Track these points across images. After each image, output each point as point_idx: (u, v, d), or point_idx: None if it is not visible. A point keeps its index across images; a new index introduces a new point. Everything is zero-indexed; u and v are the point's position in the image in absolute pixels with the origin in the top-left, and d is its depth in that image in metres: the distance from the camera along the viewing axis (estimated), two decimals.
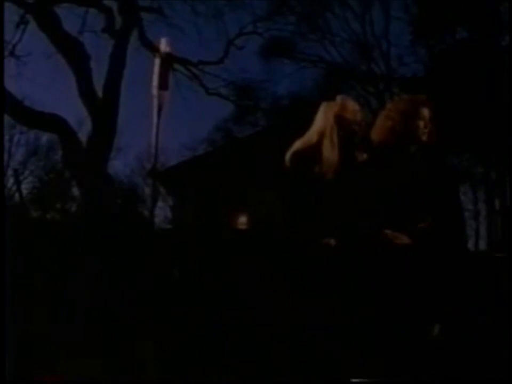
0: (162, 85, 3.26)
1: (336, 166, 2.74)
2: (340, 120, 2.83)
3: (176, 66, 13.44)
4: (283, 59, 19.21)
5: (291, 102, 19.37)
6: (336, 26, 18.96)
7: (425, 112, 2.83)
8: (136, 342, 3.73)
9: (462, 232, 3.11)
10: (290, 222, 2.88)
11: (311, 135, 2.90)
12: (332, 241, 2.71)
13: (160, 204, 24.71)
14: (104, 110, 10.64)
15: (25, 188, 25.76)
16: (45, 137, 25.59)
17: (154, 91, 3.26)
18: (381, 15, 18.52)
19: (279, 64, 19.34)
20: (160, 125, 3.26)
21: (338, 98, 2.94)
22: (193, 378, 3.24)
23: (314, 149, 2.82)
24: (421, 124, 2.81)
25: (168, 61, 3.32)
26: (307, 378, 2.69)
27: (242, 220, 11.35)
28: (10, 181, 23.22)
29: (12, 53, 11.84)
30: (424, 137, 2.81)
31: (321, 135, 2.84)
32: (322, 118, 2.88)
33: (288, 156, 2.90)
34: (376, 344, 2.60)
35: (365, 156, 2.85)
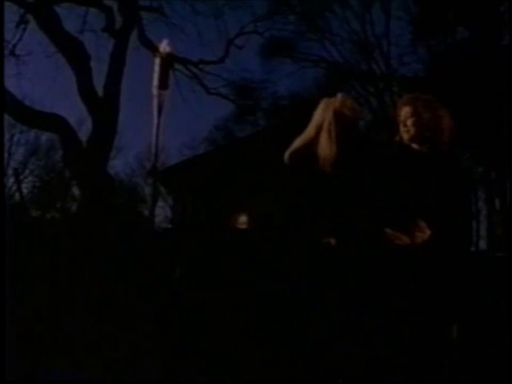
0: (163, 85, 3.26)
1: (333, 160, 2.75)
2: (339, 116, 2.84)
3: (176, 66, 13.45)
4: (283, 59, 19.19)
5: (291, 102, 19.35)
6: (336, 26, 18.92)
7: (403, 112, 2.88)
8: (137, 341, 3.73)
9: (469, 233, 3.12)
10: (290, 222, 2.88)
11: (309, 130, 2.91)
12: (332, 240, 2.71)
13: (160, 203, 24.73)
14: (104, 110, 10.65)
15: (25, 187, 25.77)
16: (45, 137, 25.60)
17: (155, 91, 3.26)
18: (381, 14, 18.51)
19: (279, 63, 19.29)
20: (160, 124, 3.26)
21: (339, 95, 2.95)
22: (193, 378, 3.24)
23: (312, 144, 2.83)
24: (401, 124, 2.88)
25: (168, 61, 3.32)
26: (307, 378, 2.69)
27: (243, 220, 11.34)
28: (10, 181, 23.25)
29: (12, 53, 11.84)
30: (406, 136, 2.85)
31: (319, 129, 2.85)
32: (321, 113, 2.89)
33: (286, 154, 2.90)
34: (376, 344, 2.61)
35: (362, 153, 2.86)
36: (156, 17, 13.34)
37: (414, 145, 2.85)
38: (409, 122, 2.84)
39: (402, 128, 2.87)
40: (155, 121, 3.25)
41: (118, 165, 32.50)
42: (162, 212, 25.39)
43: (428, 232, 2.64)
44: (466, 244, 3.00)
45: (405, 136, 2.86)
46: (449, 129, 2.84)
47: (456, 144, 2.90)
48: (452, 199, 2.74)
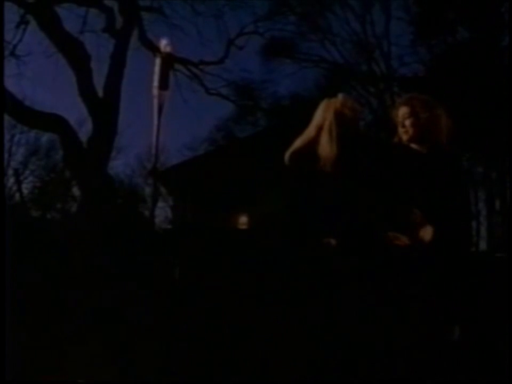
0: (163, 85, 3.25)
1: (334, 160, 2.75)
2: (339, 116, 2.84)
3: (177, 66, 13.45)
4: (283, 59, 19.22)
5: (291, 102, 19.38)
6: (336, 26, 18.99)
7: (400, 112, 2.90)
8: (137, 342, 3.73)
9: (469, 232, 3.12)
10: (290, 222, 2.88)
11: (309, 130, 2.91)
12: (333, 241, 2.71)
13: (160, 204, 24.74)
14: (104, 110, 10.65)
15: (25, 187, 25.76)
16: (45, 137, 25.55)
17: (155, 91, 3.25)
18: (382, 15, 18.54)
19: (279, 64, 19.33)
20: (160, 125, 3.25)
21: (340, 95, 2.95)
22: (193, 379, 3.24)
23: (313, 144, 2.84)
24: (399, 125, 2.89)
25: (169, 61, 3.31)
26: (307, 379, 2.69)
27: (243, 220, 11.34)
28: (10, 181, 23.26)
29: (12, 53, 11.86)
30: (405, 137, 2.87)
31: (320, 129, 2.85)
32: (322, 113, 2.90)
33: (287, 155, 2.90)
34: (376, 344, 2.61)
35: (362, 153, 2.87)
36: (156, 17, 13.37)
37: (413, 145, 2.86)
38: (407, 122, 2.85)
39: (400, 129, 2.89)
40: (155, 121, 3.25)
41: (118, 165, 32.56)
42: (162, 212, 25.40)
43: (429, 227, 2.65)
44: (466, 243, 3.00)
45: (404, 137, 2.87)
46: (447, 128, 2.85)
47: (456, 144, 2.91)
48: (452, 199, 2.74)
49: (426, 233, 2.67)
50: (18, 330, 3.38)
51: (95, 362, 3.39)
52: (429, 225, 2.68)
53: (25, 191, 24.97)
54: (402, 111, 2.88)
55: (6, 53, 11.19)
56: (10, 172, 24.39)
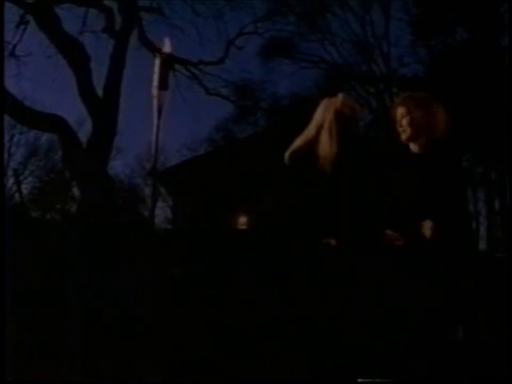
0: (162, 85, 3.24)
1: (333, 160, 2.76)
2: (339, 115, 2.85)
3: (176, 66, 13.45)
4: (283, 59, 19.23)
5: (291, 102, 19.38)
6: (336, 26, 18.98)
7: (398, 112, 2.90)
8: (137, 342, 3.73)
9: (468, 233, 3.12)
10: (290, 222, 2.89)
11: (309, 129, 2.92)
12: (332, 241, 2.72)
13: (160, 204, 24.71)
14: (104, 110, 10.64)
15: (25, 188, 25.78)
16: (45, 137, 25.57)
17: (154, 91, 3.24)
18: (381, 15, 18.55)
19: (279, 64, 19.33)
20: (160, 125, 3.25)
21: (340, 95, 2.96)
22: (193, 379, 3.24)
23: (313, 144, 2.84)
24: (397, 124, 2.90)
25: (168, 61, 3.31)
26: (307, 378, 2.70)
27: (242, 220, 11.35)
28: (10, 181, 23.26)
29: (12, 53, 11.86)
30: (403, 136, 2.87)
31: (320, 129, 2.86)
32: (322, 112, 2.90)
33: (287, 154, 2.91)
34: (374, 343, 2.61)
35: (362, 153, 2.88)
36: (155, 17, 13.37)
37: (412, 145, 2.87)
38: (404, 122, 2.87)
39: (399, 128, 2.90)
40: (155, 122, 3.24)
41: (117, 165, 32.48)
42: (162, 213, 25.38)
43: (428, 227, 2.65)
44: (465, 243, 3.00)
45: (403, 136, 2.89)
46: (444, 125, 2.85)
47: (456, 144, 2.91)
48: (450, 198, 2.74)
49: (426, 233, 2.67)
50: (18, 330, 3.38)
51: (95, 362, 3.39)
52: (428, 225, 2.68)
53: (24, 192, 25.00)
54: (399, 110, 2.90)
55: (6, 53, 11.19)
56: (10, 172, 24.43)
